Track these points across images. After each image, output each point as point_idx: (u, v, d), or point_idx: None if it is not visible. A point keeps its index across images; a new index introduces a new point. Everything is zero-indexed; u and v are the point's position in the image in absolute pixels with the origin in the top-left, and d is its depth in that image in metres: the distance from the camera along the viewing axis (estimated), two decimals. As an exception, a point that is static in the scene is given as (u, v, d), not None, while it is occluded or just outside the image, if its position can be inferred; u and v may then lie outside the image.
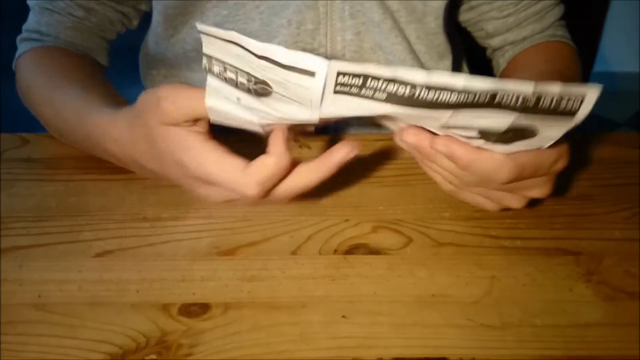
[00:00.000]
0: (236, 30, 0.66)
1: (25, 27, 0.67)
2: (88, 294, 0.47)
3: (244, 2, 0.64)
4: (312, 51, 0.66)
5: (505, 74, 0.74)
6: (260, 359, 0.43)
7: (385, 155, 0.63)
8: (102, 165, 0.58)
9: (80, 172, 0.58)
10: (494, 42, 0.75)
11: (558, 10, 0.73)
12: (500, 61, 0.75)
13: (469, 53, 0.81)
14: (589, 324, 0.46)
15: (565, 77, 0.65)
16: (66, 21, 0.65)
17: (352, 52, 0.67)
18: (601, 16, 2.29)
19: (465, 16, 0.75)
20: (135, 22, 0.71)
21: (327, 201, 0.57)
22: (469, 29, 0.76)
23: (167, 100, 0.43)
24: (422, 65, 0.71)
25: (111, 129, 0.50)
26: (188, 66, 0.70)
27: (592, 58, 2.35)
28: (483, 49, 0.79)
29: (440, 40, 0.70)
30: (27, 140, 0.62)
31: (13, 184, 0.57)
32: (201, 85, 0.70)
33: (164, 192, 0.56)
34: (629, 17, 2.27)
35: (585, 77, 2.40)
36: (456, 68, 0.76)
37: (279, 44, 0.64)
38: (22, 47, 0.65)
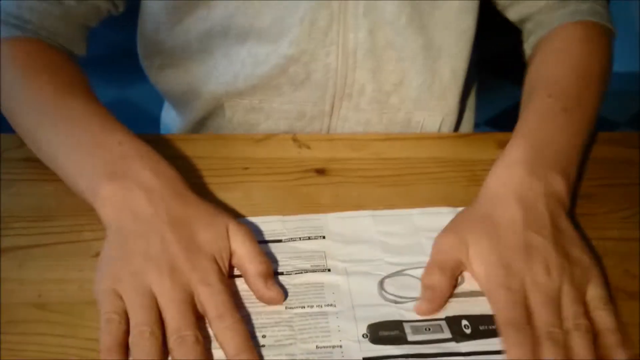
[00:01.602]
0: (245, 26, 0.65)
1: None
2: (88, 293, 0.47)
3: None
4: (324, 48, 0.66)
5: (527, 68, 0.70)
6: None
7: (384, 155, 0.63)
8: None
9: (81, 171, 0.58)
10: (511, 14, 0.72)
11: None
12: (526, 46, 0.72)
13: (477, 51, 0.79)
14: (589, 324, 0.46)
15: (556, 89, 0.61)
16: (52, 9, 0.62)
17: (365, 50, 0.66)
18: (601, 16, 2.28)
19: None
20: (121, 9, 0.68)
21: (326, 201, 0.57)
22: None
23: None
24: (438, 57, 0.68)
25: (152, 155, 0.51)
26: (190, 57, 0.69)
27: (592, 58, 2.35)
28: (491, 50, 0.76)
29: (469, 21, 0.67)
30: (27, 140, 0.62)
31: (13, 184, 0.57)
32: (201, 77, 0.68)
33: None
34: (629, 17, 2.27)
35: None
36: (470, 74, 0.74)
37: (291, 41, 0.64)
38: None
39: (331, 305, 0.47)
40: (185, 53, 0.69)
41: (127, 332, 0.42)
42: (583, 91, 0.62)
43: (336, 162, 0.62)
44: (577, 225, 0.53)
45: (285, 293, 0.47)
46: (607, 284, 0.48)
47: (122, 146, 0.52)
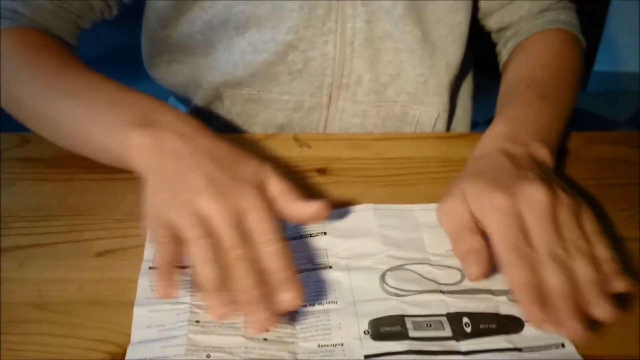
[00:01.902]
0: (246, 13, 0.66)
1: None
2: (89, 293, 0.47)
3: None
4: (322, 37, 0.66)
5: (502, 72, 0.73)
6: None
7: (385, 154, 0.63)
8: (103, 165, 0.57)
9: (81, 171, 0.58)
10: (491, 22, 0.74)
11: None
12: (503, 52, 0.75)
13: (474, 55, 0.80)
14: (589, 324, 0.46)
15: (534, 82, 0.63)
16: (46, 4, 0.63)
17: (362, 40, 0.67)
18: (601, 16, 2.29)
19: None
20: (114, 12, 0.69)
21: (328, 200, 0.56)
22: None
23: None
24: (434, 51, 0.69)
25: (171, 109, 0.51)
26: (193, 51, 0.70)
27: (593, 58, 2.36)
28: (490, 50, 0.77)
29: (461, 17, 0.69)
30: (27, 140, 0.62)
31: (13, 183, 0.57)
32: (204, 70, 0.69)
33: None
34: (629, 17, 2.27)
35: (585, 77, 2.40)
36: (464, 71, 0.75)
37: (290, 28, 0.65)
38: None
39: (333, 302, 0.47)
40: (190, 47, 0.70)
41: (180, 255, 0.43)
42: (559, 86, 0.64)
43: (337, 162, 0.62)
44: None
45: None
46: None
47: (143, 103, 0.52)
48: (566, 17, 0.73)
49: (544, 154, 0.53)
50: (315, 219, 0.48)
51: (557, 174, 0.53)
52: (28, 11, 0.62)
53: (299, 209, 0.47)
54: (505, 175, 0.48)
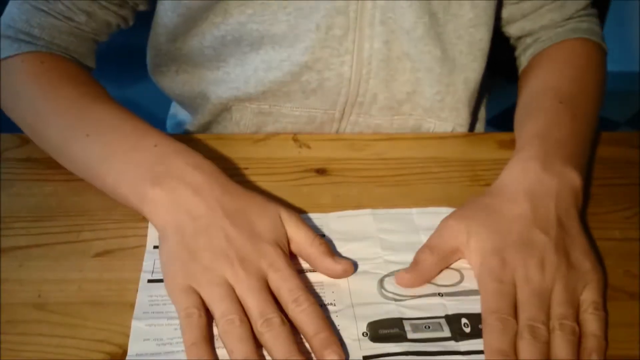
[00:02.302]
0: (261, 32, 0.65)
1: (6, 22, 0.61)
2: (88, 293, 0.47)
3: (271, 2, 0.62)
4: (338, 57, 0.64)
5: (522, 78, 0.72)
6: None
7: (385, 155, 0.63)
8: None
9: (80, 171, 0.58)
10: (512, 30, 0.74)
11: None
12: (522, 59, 0.74)
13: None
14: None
15: (566, 97, 0.62)
16: (62, 25, 0.62)
17: (379, 60, 0.65)
18: (601, 16, 2.28)
19: None
20: (131, 23, 0.68)
21: (326, 201, 0.57)
22: None
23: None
24: (453, 69, 0.68)
25: (193, 154, 0.52)
26: (202, 64, 0.69)
27: (592, 58, 2.35)
28: (490, 50, 0.77)
29: (482, 33, 0.67)
30: (27, 140, 0.62)
31: (13, 184, 0.57)
32: (213, 83, 0.68)
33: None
34: (629, 17, 2.27)
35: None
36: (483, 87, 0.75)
37: (306, 48, 0.63)
38: (8, 47, 0.60)
39: (331, 304, 0.47)
40: (199, 60, 0.68)
41: (208, 326, 0.43)
42: (588, 102, 0.63)
43: (336, 162, 0.62)
44: (586, 227, 0.53)
45: (355, 264, 0.49)
46: (605, 290, 0.48)
47: (158, 147, 0.52)
48: (588, 25, 0.72)
49: (576, 184, 0.52)
50: (341, 277, 0.49)
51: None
52: (46, 35, 0.61)
53: (328, 266, 0.48)
54: (515, 234, 0.48)
